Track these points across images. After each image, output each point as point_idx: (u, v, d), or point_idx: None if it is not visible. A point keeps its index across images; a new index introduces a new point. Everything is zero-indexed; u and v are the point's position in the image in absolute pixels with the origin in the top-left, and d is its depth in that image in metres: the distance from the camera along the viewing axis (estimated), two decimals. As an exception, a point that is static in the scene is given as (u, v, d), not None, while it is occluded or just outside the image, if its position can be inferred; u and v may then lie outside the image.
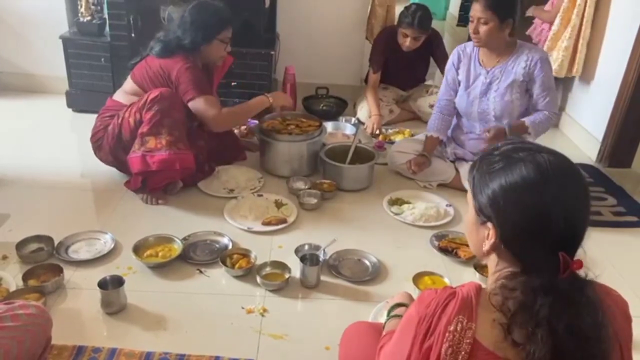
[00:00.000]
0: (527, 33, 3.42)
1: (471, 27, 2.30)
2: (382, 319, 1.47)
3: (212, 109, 2.30)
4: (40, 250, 1.92)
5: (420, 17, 3.04)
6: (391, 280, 1.94)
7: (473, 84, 2.44)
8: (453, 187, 2.58)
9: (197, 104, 2.28)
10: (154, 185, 2.28)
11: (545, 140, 2.56)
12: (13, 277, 1.78)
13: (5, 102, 3.28)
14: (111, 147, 2.30)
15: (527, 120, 2.37)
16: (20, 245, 1.91)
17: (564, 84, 3.40)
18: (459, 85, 2.51)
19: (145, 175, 2.23)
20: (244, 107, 2.51)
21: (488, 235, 0.93)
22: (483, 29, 2.25)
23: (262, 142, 2.61)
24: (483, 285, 0.94)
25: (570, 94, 3.40)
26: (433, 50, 3.33)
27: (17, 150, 2.72)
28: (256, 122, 2.72)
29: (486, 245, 0.94)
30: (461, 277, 1.96)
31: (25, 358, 1.32)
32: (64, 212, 2.22)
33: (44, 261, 1.88)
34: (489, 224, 0.92)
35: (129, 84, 2.36)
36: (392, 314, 1.31)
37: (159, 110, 2.16)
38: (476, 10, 2.24)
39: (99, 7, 3.14)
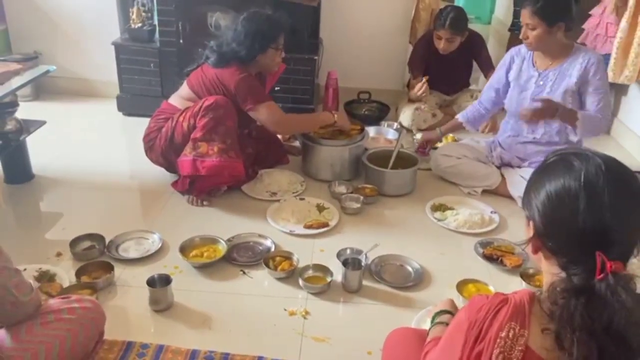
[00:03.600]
0: (578, 41, 3.29)
1: (522, 32, 2.29)
2: (426, 325, 1.45)
3: (275, 114, 2.37)
4: (92, 248, 2.00)
5: (452, 18, 3.00)
6: (434, 286, 1.92)
7: (524, 84, 2.41)
8: (498, 193, 2.52)
9: (260, 112, 2.34)
10: (200, 189, 2.33)
11: (597, 147, 2.45)
12: (66, 272, 1.86)
13: (61, 105, 3.44)
14: (163, 148, 2.37)
15: (579, 111, 2.29)
16: (73, 243, 1.99)
17: (616, 88, 3.26)
18: (509, 85, 2.48)
19: (194, 178, 2.30)
20: (309, 117, 2.55)
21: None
22: (532, 34, 2.24)
23: (304, 146, 2.63)
24: (536, 294, 0.92)
25: (622, 99, 3.26)
26: (476, 54, 3.27)
27: (70, 152, 2.84)
28: None
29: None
30: (507, 285, 1.91)
31: (78, 350, 1.38)
32: (114, 212, 2.30)
33: (96, 259, 1.95)
34: (531, 222, 0.95)
35: (184, 90, 2.41)
36: (437, 320, 1.29)
37: (213, 118, 2.21)
38: (524, 16, 2.24)
39: (149, 14, 3.25)
